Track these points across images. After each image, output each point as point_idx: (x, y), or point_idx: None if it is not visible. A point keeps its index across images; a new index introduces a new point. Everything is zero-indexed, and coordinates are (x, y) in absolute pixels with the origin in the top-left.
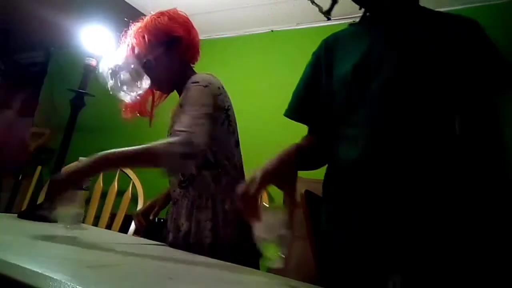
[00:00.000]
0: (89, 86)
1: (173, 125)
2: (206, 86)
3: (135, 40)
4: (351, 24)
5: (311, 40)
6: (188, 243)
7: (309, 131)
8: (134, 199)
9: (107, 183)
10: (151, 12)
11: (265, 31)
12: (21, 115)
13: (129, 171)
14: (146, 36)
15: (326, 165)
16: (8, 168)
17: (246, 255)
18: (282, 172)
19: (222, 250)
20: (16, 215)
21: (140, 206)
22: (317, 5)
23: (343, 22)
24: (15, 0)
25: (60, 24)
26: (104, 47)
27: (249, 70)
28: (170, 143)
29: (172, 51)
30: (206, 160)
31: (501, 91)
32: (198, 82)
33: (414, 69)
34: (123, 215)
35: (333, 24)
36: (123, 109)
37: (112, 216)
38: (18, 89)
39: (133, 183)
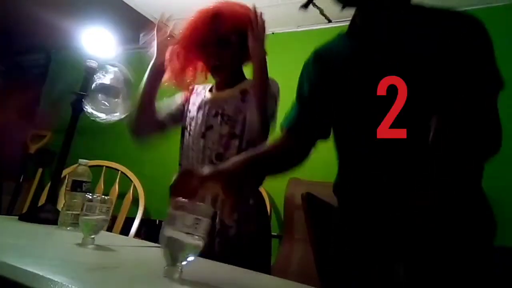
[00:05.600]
0: (90, 88)
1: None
2: None
3: (221, 18)
4: (340, 34)
5: (312, 42)
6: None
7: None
8: (135, 201)
9: (108, 185)
10: (152, 14)
11: None
12: (22, 117)
13: (130, 174)
14: (232, 23)
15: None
16: (6, 170)
17: (261, 252)
18: (235, 180)
19: (241, 245)
20: (17, 217)
21: (141, 208)
22: (317, 8)
23: (344, 24)
24: (16, 2)
25: (61, 26)
26: (105, 49)
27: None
28: None
29: (243, 46)
30: None
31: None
32: None
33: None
34: (124, 217)
35: (334, 27)
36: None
37: (113, 219)
38: (19, 91)
39: (134, 185)
